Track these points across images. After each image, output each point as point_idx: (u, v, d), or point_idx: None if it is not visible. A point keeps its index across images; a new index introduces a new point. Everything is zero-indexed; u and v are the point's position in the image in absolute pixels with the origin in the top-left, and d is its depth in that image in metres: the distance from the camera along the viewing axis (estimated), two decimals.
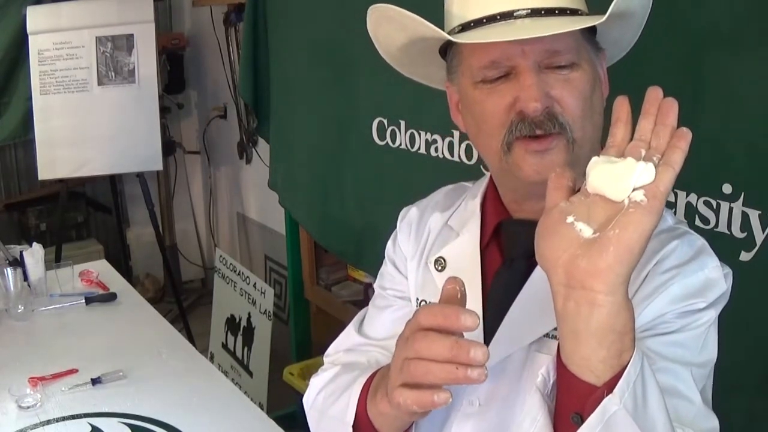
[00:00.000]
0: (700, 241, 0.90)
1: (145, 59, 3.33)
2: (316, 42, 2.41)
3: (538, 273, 0.92)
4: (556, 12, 0.87)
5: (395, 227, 1.14)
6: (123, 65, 3.34)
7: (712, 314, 0.85)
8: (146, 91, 3.34)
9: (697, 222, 1.31)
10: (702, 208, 1.32)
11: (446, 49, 0.98)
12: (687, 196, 1.34)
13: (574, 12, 0.88)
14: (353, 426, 0.92)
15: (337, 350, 1.12)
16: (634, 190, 0.66)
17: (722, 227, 1.29)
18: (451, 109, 1.02)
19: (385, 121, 2.13)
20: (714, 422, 0.82)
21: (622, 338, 0.65)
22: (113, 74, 3.34)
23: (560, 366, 0.69)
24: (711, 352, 0.86)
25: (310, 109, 2.51)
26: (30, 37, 3.31)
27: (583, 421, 0.66)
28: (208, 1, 3.58)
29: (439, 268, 1.02)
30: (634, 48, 1.03)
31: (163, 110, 3.75)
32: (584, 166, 0.82)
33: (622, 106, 0.70)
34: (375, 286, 1.16)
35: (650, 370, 0.68)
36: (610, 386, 0.65)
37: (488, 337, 0.94)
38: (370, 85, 2.17)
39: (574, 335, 0.67)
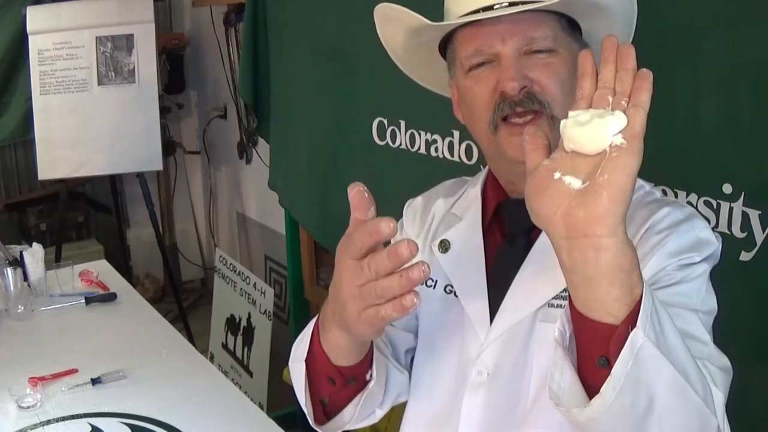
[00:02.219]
0: (689, 209, 0.97)
1: (145, 59, 3.33)
2: (316, 42, 2.41)
3: (538, 246, 0.99)
4: (533, 4, 0.94)
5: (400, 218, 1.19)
6: (123, 65, 3.34)
7: (706, 267, 0.90)
8: (146, 91, 3.34)
9: None
10: (702, 208, 1.32)
11: (446, 50, 1.05)
12: (687, 196, 1.34)
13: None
14: (315, 365, 0.96)
15: None
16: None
17: (722, 227, 1.29)
18: (453, 107, 1.08)
19: (385, 121, 2.13)
20: (726, 361, 0.85)
21: (630, 275, 0.67)
22: (113, 74, 3.34)
23: (576, 315, 0.71)
24: (712, 303, 0.91)
25: (310, 109, 2.51)
26: (30, 37, 3.32)
27: (609, 362, 0.68)
28: (208, 1, 3.58)
29: (443, 250, 1.08)
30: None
31: (163, 110, 3.76)
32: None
33: (586, 59, 0.74)
34: None
35: (659, 301, 0.70)
36: (629, 322, 0.67)
37: (494, 309, 1.00)
38: (370, 85, 2.17)
39: (586, 282, 0.69)
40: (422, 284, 1.07)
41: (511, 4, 0.94)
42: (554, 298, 0.96)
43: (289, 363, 1.04)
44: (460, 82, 1.01)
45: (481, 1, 0.96)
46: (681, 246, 0.89)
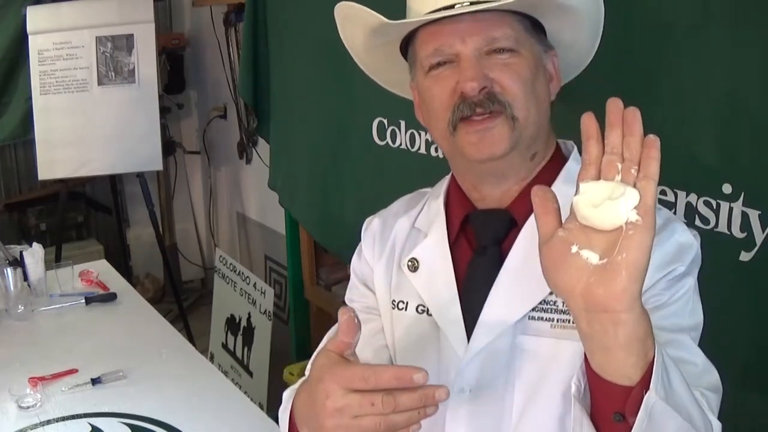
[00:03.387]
0: (664, 211, 0.97)
1: (145, 59, 3.33)
2: (316, 42, 2.41)
3: (512, 258, 0.97)
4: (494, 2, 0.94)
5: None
6: (123, 65, 3.34)
7: (692, 282, 0.93)
8: (146, 91, 3.34)
9: (697, 222, 1.31)
10: (702, 208, 1.32)
11: (408, 51, 1.04)
12: (687, 196, 1.34)
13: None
14: None
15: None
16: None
17: (722, 227, 1.29)
18: (415, 109, 1.08)
19: (385, 121, 2.13)
20: (715, 374, 0.90)
21: (645, 342, 0.71)
22: (113, 74, 3.34)
23: (592, 374, 0.74)
24: (699, 315, 0.94)
25: (310, 109, 2.51)
26: (30, 37, 3.32)
27: (624, 417, 0.72)
28: (208, 1, 3.58)
29: (412, 269, 1.06)
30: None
31: (163, 110, 3.75)
32: (529, 147, 0.95)
33: (590, 123, 0.72)
34: (345, 299, 1.19)
35: (667, 355, 0.74)
36: (643, 383, 0.71)
37: (470, 324, 0.98)
38: (370, 85, 2.15)
39: (604, 350, 0.72)
40: (393, 308, 1.07)
41: (472, 4, 0.93)
42: (533, 310, 0.94)
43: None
44: (420, 82, 1.00)
45: (442, 1, 0.95)
46: (665, 256, 0.90)
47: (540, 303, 0.94)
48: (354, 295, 1.17)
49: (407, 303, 1.06)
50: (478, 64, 0.93)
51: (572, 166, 1.01)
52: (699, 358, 0.89)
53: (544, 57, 0.99)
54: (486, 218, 1.02)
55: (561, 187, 0.98)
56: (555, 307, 0.94)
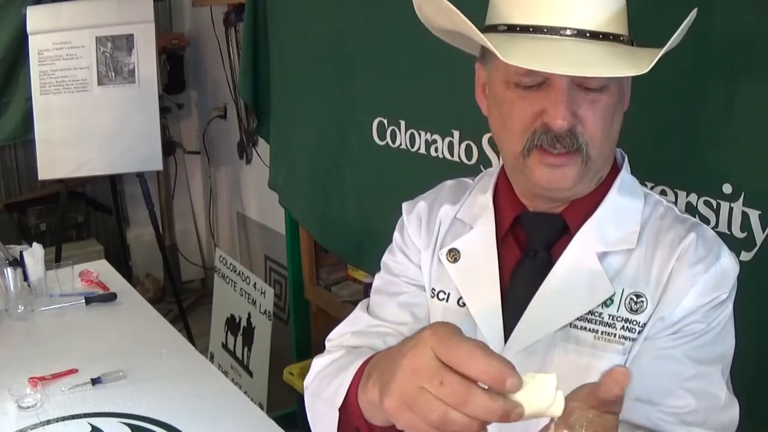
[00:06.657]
0: (710, 232, 0.96)
1: (145, 59, 3.33)
2: (316, 42, 2.41)
3: (562, 263, 0.95)
4: (600, 36, 0.87)
5: (398, 221, 1.14)
6: (123, 65, 3.33)
7: (730, 306, 0.93)
8: (146, 91, 3.34)
9: None
10: (702, 208, 1.32)
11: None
12: (687, 196, 1.34)
13: (616, 37, 0.89)
14: (344, 411, 0.88)
15: (343, 333, 1.08)
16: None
17: (722, 227, 1.29)
18: (476, 89, 1.02)
19: (385, 121, 2.13)
20: (734, 410, 0.91)
21: None
22: (113, 74, 3.33)
23: None
24: (731, 340, 0.95)
25: (310, 109, 2.51)
26: (30, 37, 3.31)
27: None
28: (208, 1, 3.58)
29: (452, 259, 1.03)
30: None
31: (163, 110, 3.75)
32: (594, 176, 0.94)
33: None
34: (381, 275, 1.13)
35: None
36: None
37: (509, 326, 0.96)
38: (370, 85, 2.17)
39: None
40: (433, 297, 1.04)
41: (579, 33, 0.86)
42: (578, 319, 0.92)
43: (311, 396, 0.99)
44: (498, 87, 0.94)
45: (546, 19, 0.87)
46: (709, 283, 0.90)
47: (587, 314, 0.92)
48: (396, 269, 1.10)
49: (449, 294, 1.03)
50: (570, 99, 0.87)
51: (625, 176, 0.99)
52: (723, 393, 0.90)
53: (624, 78, 0.94)
54: (539, 221, 0.99)
55: (615, 197, 0.97)
56: (600, 319, 0.92)
